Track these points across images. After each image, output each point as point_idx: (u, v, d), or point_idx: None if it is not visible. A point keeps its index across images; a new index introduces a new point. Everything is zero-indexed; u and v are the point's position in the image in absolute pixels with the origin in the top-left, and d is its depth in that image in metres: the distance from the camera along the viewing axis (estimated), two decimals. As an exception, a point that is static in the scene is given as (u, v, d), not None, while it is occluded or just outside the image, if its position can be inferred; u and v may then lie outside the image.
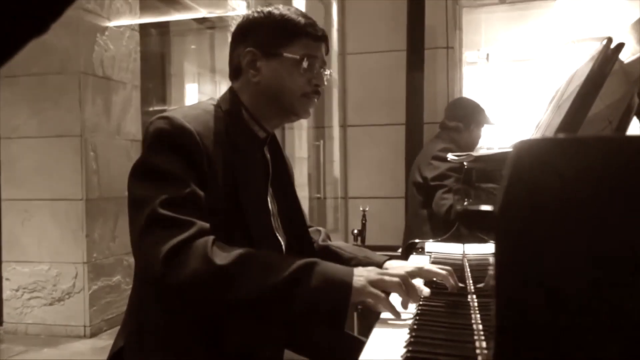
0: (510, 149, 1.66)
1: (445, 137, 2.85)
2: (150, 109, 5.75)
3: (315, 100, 1.31)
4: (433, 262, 1.63)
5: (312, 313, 1.05)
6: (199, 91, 6.99)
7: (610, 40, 0.96)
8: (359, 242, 2.78)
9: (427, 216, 2.71)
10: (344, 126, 3.49)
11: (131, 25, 4.23)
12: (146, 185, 1.11)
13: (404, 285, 1.09)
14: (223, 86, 7.48)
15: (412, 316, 1.08)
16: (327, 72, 1.33)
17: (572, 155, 0.44)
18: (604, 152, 0.44)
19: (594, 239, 0.44)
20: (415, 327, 0.96)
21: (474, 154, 1.61)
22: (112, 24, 3.97)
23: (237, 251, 1.07)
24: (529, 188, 0.45)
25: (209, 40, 6.89)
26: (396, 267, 1.29)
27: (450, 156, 1.80)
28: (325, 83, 1.32)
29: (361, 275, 1.08)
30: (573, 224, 0.44)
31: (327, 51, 1.33)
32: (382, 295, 1.06)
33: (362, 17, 3.51)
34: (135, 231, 1.10)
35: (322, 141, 7.96)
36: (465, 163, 1.63)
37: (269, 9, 1.28)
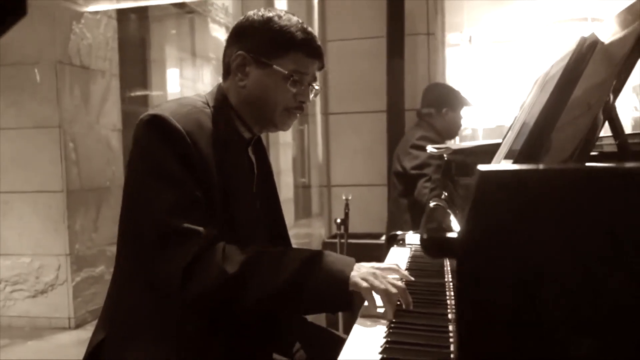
0: (490, 143, 1.64)
1: (423, 124, 2.83)
2: (132, 94, 5.68)
3: (298, 115, 1.30)
4: (413, 255, 1.64)
5: (318, 305, 1.16)
6: (180, 76, 6.92)
7: (584, 38, 0.96)
8: (342, 231, 2.78)
9: (407, 205, 2.71)
10: (325, 114, 3.47)
11: (108, 11, 4.15)
12: (147, 187, 1.14)
13: (389, 292, 1.09)
14: (205, 70, 7.40)
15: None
16: (317, 87, 1.32)
17: (533, 186, 0.44)
18: (563, 183, 0.44)
19: (557, 270, 0.44)
20: (390, 331, 0.96)
21: (453, 146, 1.60)
22: (89, 9, 3.89)
23: (247, 255, 1.12)
24: (492, 218, 0.44)
25: (189, 24, 6.79)
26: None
27: (429, 148, 1.79)
28: (311, 99, 1.31)
29: (358, 270, 1.13)
30: (534, 253, 0.44)
31: (322, 67, 1.31)
32: (369, 289, 1.10)
33: (343, 3, 3.46)
34: (145, 239, 1.14)
35: (306, 125, 7.94)
36: (445, 155, 1.63)
37: (271, 14, 1.26)
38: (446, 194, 1.56)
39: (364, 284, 1.09)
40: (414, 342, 0.86)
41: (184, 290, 1.09)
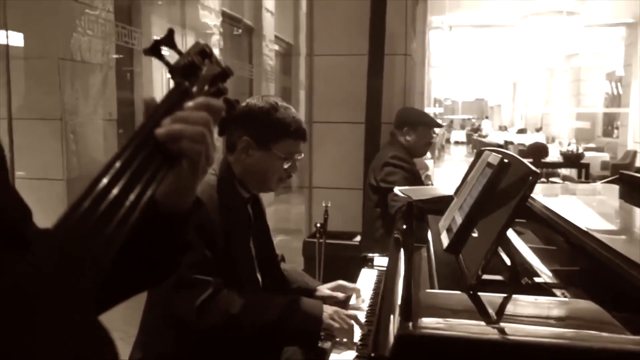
0: (444, 195, 2.04)
1: (394, 143, 3.17)
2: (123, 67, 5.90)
3: (287, 180, 1.69)
4: (378, 280, 2.02)
5: (295, 341, 1.59)
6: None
7: (502, 159, 1.32)
8: (321, 232, 3.15)
9: (379, 214, 3.08)
10: (309, 122, 3.80)
11: (106, 7, 4.36)
12: None
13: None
14: (190, 39, 7.62)
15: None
16: (301, 156, 1.69)
17: (442, 352, 0.78)
18: (472, 352, 0.78)
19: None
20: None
21: (414, 197, 1.96)
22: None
23: (245, 299, 1.52)
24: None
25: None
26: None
27: (396, 190, 2.16)
28: (297, 170, 1.68)
29: (325, 311, 1.54)
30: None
31: (305, 141, 1.70)
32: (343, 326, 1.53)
33: (330, 20, 3.77)
34: (165, 289, 1.48)
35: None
36: (408, 200, 1.99)
37: (269, 105, 1.62)
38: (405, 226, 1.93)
39: (335, 325, 1.52)
40: None
41: (199, 323, 1.47)
